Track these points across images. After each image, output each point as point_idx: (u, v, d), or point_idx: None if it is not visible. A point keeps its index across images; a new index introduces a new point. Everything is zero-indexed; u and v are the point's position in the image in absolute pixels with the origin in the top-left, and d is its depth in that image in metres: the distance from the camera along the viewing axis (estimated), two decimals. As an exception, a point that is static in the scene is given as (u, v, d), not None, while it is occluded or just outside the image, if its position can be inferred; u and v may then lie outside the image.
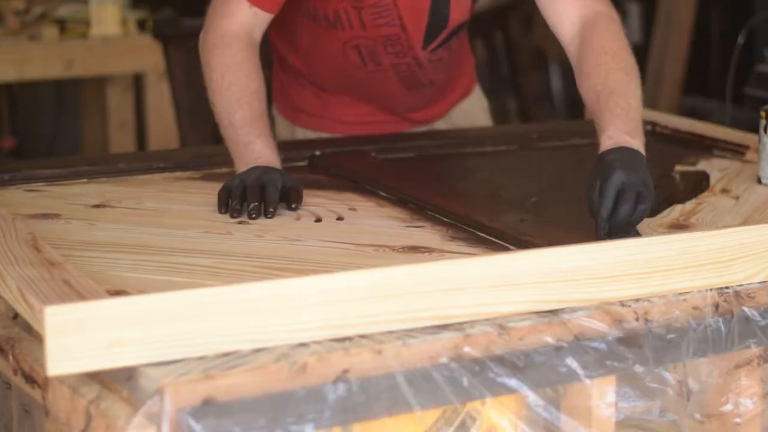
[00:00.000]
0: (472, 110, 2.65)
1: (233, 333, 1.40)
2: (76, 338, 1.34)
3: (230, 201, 1.95)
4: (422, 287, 1.49)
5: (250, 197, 1.93)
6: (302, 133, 2.52)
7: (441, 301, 1.50)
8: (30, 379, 1.51)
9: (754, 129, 2.32)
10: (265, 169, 1.99)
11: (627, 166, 1.79)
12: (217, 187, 2.01)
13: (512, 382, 1.50)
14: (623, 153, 1.82)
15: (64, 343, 1.33)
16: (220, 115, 2.08)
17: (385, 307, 1.47)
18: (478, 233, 1.86)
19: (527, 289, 1.54)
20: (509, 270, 1.54)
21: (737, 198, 2.09)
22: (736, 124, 3.17)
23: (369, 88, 2.41)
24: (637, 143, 1.87)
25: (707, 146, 2.47)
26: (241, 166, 2.02)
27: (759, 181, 2.18)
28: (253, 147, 2.02)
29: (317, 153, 2.32)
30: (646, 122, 2.66)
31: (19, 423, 1.67)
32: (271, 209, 1.92)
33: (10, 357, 1.55)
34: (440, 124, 2.58)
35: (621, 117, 1.91)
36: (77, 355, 1.34)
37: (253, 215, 1.91)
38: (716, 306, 1.64)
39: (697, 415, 1.67)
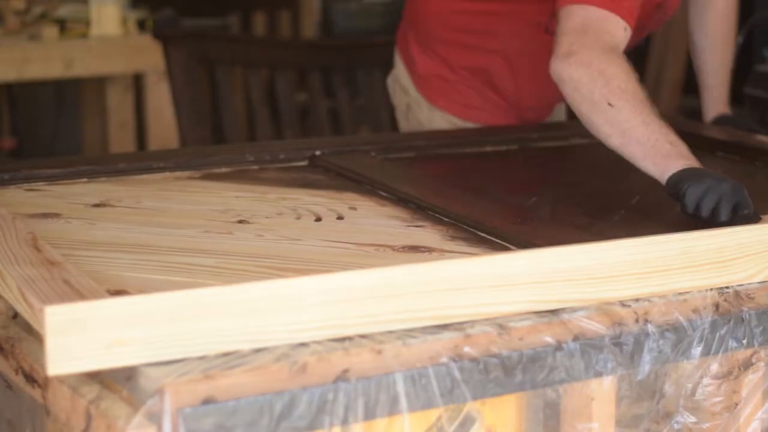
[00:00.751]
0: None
1: (233, 333, 1.40)
2: (76, 338, 1.34)
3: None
4: (422, 287, 1.49)
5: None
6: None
7: (441, 301, 1.50)
8: (30, 379, 1.51)
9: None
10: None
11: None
12: (217, 186, 2.00)
13: (512, 382, 1.50)
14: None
15: (64, 343, 1.33)
16: (628, 115, 2.06)
17: (385, 307, 1.47)
18: (478, 233, 1.86)
19: (527, 289, 1.54)
20: (509, 270, 1.54)
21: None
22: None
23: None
24: None
25: (708, 147, 2.47)
26: (676, 162, 2.01)
27: None
28: (680, 146, 2.05)
29: (317, 153, 2.32)
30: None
31: (20, 422, 1.67)
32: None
33: (10, 357, 1.55)
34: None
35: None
36: (77, 354, 1.34)
37: None
38: (716, 306, 1.64)
39: (698, 416, 1.67)
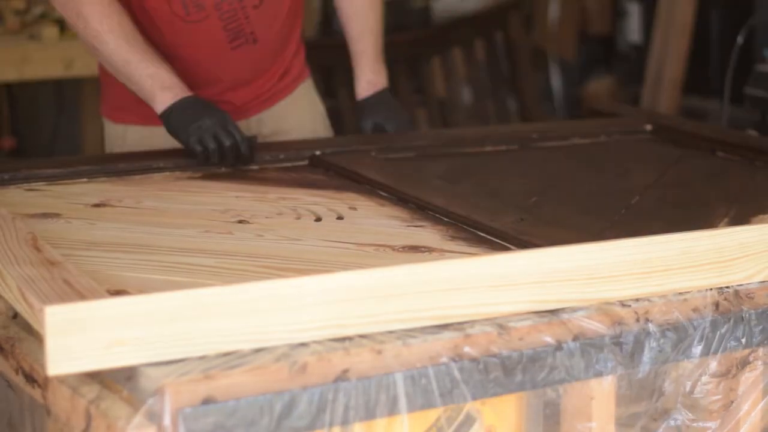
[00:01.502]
0: (302, 112, 2.62)
1: (233, 333, 1.40)
2: (77, 338, 1.34)
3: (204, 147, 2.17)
4: (422, 287, 1.49)
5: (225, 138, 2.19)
6: (132, 132, 2.49)
7: (441, 301, 1.50)
8: (30, 379, 1.51)
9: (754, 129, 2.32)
10: (204, 104, 2.21)
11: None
12: (217, 186, 2.00)
13: (512, 382, 1.50)
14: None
15: (64, 343, 1.33)
16: (110, 57, 2.22)
17: (385, 307, 1.47)
18: (478, 233, 1.86)
19: (527, 289, 1.54)
20: (509, 270, 1.54)
21: None
22: (735, 124, 3.17)
23: (193, 46, 2.39)
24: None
25: (708, 147, 2.47)
26: (159, 97, 2.19)
27: None
28: (162, 76, 2.19)
29: (317, 153, 2.32)
30: (646, 122, 2.67)
31: (21, 422, 1.67)
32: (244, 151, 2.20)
33: (10, 357, 1.55)
34: (263, 117, 2.54)
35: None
36: (77, 354, 1.34)
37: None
38: (716, 305, 1.64)
39: (695, 413, 1.67)
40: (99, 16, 2.20)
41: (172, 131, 2.23)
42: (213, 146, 2.18)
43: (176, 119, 2.21)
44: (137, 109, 2.36)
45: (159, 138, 2.33)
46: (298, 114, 2.59)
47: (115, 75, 2.27)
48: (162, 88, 2.20)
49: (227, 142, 2.19)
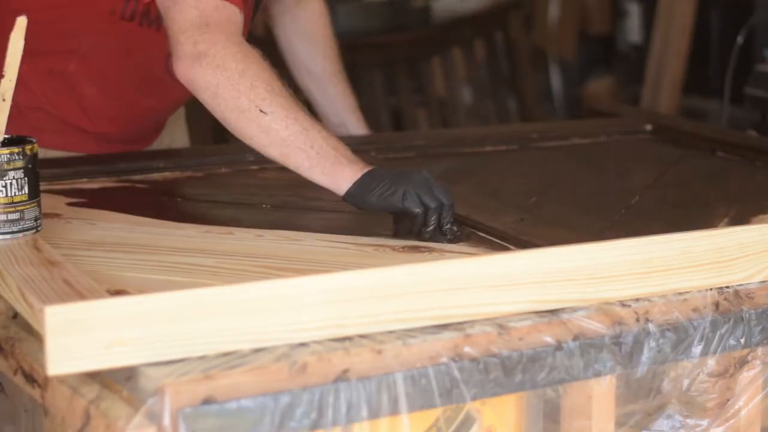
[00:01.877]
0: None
1: (233, 333, 1.40)
2: (77, 338, 1.34)
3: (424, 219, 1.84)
4: (422, 287, 1.49)
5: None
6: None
7: (441, 301, 1.50)
8: (30, 379, 1.51)
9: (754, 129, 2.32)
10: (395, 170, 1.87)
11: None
12: (217, 186, 2.00)
13: (512, 382, 1.50)
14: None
15: (64, 343, 1.33)
16: (284, 122, 1.83)
17: (385, 307, 1.47)
18: (478, 233, 1.86)
19: (527, 288, 1.54)
20: (509, 270, 1.54)
21: None
22: (735, 124, 3.17)
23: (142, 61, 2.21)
24: None
25: (708, 147, 2.47)
26: (346, 169, 1.85)
27: None
28: (344, 150, 1.86)
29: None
30: (646, 122, 2.67)
31: (15, 425, 1.67)
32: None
33: (10, 357, 1.55)
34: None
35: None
36: (77, 354, 1.34)
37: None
38: (716, 305, 1.64)
39: (697, 415, 1.67)
40: (268, 76, 1.87)
41: (372, 203, 1.85)
42: (434, 205, 1.83)
43: (374, 184, 1.84)
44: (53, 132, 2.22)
45: None
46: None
47: (276, 148, 1.86)
48: (350, 161, 1.86)
49: (446, 202, 1.84)
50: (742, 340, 1.65)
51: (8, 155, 1.68)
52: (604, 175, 2.33)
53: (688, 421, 1.66)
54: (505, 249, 1.78)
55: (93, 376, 1.42)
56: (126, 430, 1.33)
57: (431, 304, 1.50)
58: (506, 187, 2.19)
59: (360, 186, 1.83)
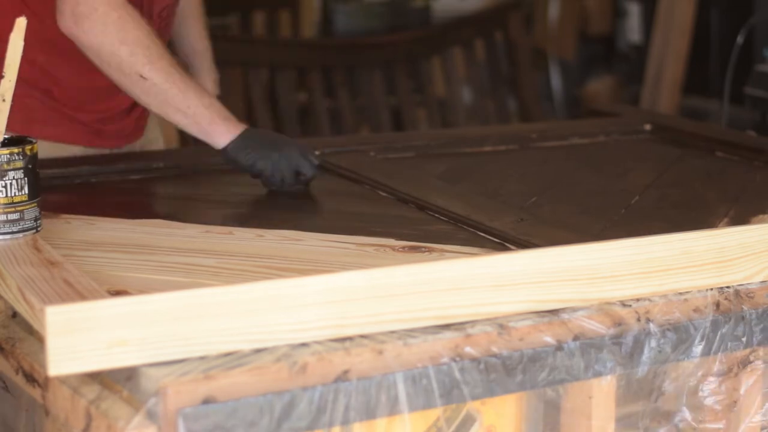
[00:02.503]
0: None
1: (234, 333, 1.40)
2: (78, 338, 1.34)
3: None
4: (423, 287, 1.49)
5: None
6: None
7: (441, 301, 1.50)
8: (30, 379, 1.51)
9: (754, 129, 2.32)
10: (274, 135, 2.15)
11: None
12: (217, 186, 2.00)
13: (513, 382, 1.50)
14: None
15: (65, 343, 1.33)
16: (162, 86, 2.01)
17: (385, 307, 1.47)
18: (478, 233, 1.86)
19: (527, 288, 1.54)
20: (509, 270, 1.54)
21: None
22: (735, 124, 3.17)
23: None
24: None
25: (707, 146, 2.47)
26: (222, 127, 2.06)
27: None
28: (216, 108, 2.06)
29: (317, 153, 2.32)
30: (644, 122, 2.67)
31: (16, 424, 1.67)
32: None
33: (10, 356, 1.55)
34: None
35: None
36: (78, 355, 1.34)
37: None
38: (717, 305, 1.64)
39: (697, 415, 1.67)
40: (148, 40, 2.01)
41: (242, 161, 2.07)
42: (291, 181, 2.08)
43: (249, 149, 2.07)
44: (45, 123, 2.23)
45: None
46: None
47: (156, 107, 2.07)
48: (224, 119, 2.06)
49: (309, 173, 2.10)
50: (744, 340, 1.65)
51: (8, 155, 1.68)
52: (603, 175, 2.33)
53: (700, 425, 1.66)
54: (505, 249, 1.78)
55: (93, 377, 1.42)
56: (126, 430, 1.33)
57: (432, 304, 1.49)
58: (506, 187, 2.19)
59: (234, 147, 2.06)
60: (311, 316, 1.44)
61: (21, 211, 1.70)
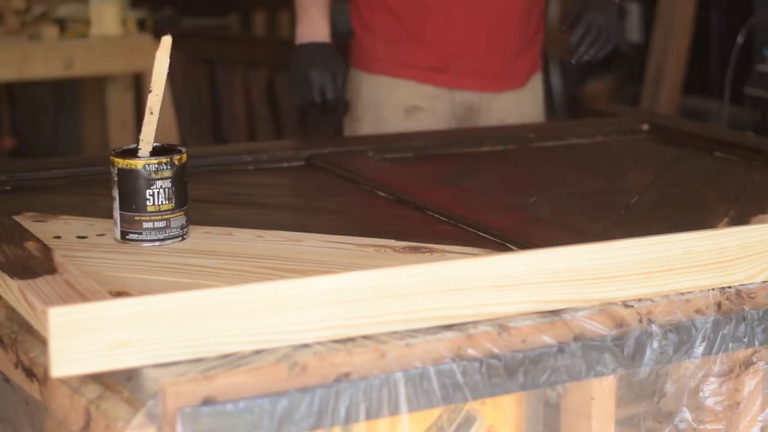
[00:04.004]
0: (536, 96, 2.76)
1: (235, 334, 1.40)
2: (80, 339, 1.34)
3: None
4: (424, 288, 1.49)
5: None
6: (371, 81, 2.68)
7: (443, 302, 1.50)
8: (30, 374, 1.51)
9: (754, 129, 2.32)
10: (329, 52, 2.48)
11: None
12: (216, 186, 1.99)
13: (514, 383, 1.50)
14: None
15: (67, 345, 1.33)
16: None
17: (387, 307, 1.47)
18: (478, 233, 1.86)
19: (529, 289, 1.54)
20: (511, 270, 1.54)
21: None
22: (735, 124, 3.17)
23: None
24: None
25: (706, 146, 2.47)
26: (302, 28, 2.52)
27: None
28: (315, 12, 2.52)
29: (316, 153, 2.32)
30: (643, 122, 2.67)
31: (18, 418, 1.67)
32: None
33: (10, 351, 1.55)
34: (517, 96, 2.69)
35: None
36: (81, 356, 1.34)
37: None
38: (718, 305, 1.64)
39: (701, 415, 1.67)
40: None
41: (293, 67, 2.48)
42: (318, 99, 2.43)
43: (300, 59, 2.47)
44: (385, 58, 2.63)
45: (402, 88, 2.61)
46: (535, 101, 2.77)
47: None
48: (311, 21, 2.51)
49: (330, 96, 2.43)
50: (745, 340, 1.65)
51: (156, 165, 1.73)
52: (603, 175, 2.33)
53: (701, 426, 1.66)
54: (505, 249, 1.78)
55: (93, 376, 1.42)
56: (126, 431, 1.33)
57: (433, 305, 1.49)
58: (506, 187, 2.19)
59: (298, 57, 2.50)
60: (313, 317, 1.43)
61: (167, 219, 1.74)
